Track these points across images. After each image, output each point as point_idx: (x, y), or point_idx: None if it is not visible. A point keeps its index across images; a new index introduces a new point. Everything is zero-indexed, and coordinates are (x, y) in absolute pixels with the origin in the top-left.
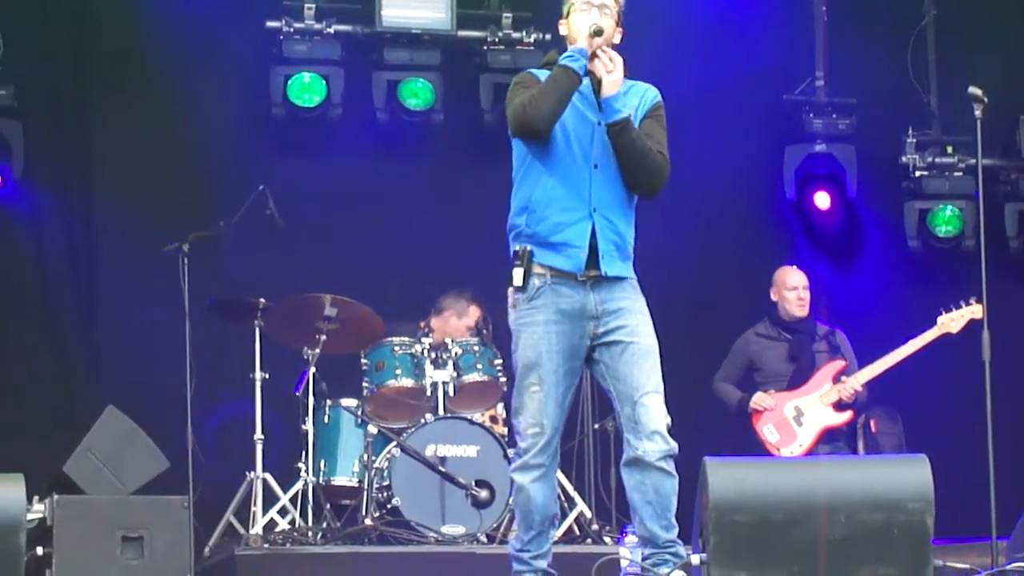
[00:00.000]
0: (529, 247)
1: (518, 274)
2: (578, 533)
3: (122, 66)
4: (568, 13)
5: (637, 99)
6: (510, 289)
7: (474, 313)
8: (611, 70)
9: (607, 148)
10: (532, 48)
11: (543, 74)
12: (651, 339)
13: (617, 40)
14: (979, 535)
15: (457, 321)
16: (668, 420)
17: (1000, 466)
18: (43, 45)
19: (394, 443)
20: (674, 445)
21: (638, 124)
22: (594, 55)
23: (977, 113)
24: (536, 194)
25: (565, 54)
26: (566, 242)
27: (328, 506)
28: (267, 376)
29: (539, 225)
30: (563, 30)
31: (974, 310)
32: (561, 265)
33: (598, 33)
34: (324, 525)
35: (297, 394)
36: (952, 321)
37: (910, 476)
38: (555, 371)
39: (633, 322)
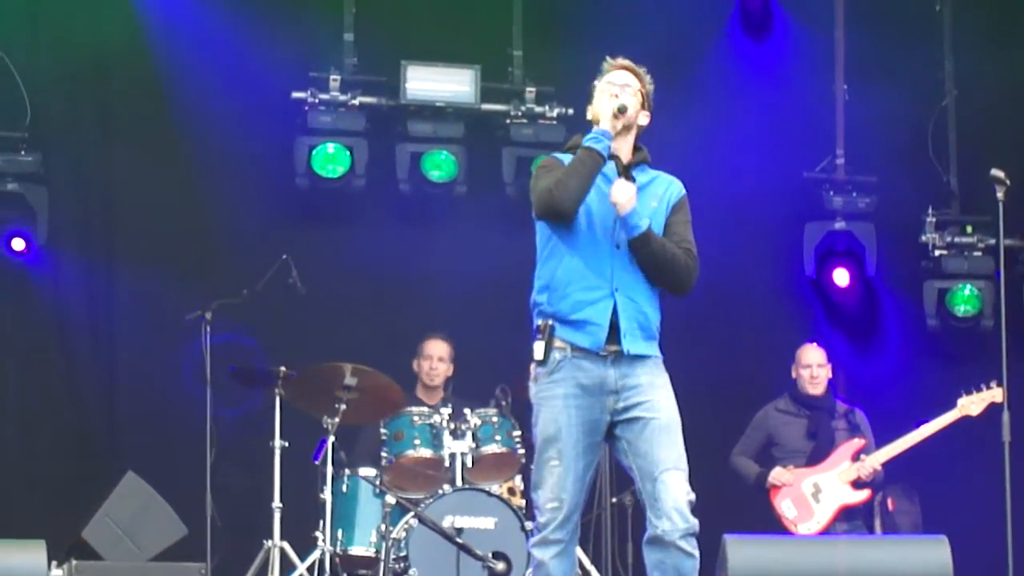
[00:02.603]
0: (551, 322)
1: (539, 348)
2: None
3: (147, 134)
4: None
5: (662, 190)
6: (532, 363)
7: (431, 346)
8: (618, 193)
9: None
10: (555, 122)
11: (567, 158)
12: (673, 414)
13: (644, 123)
14: None
15: (420, 362)
16: (692, 496)
17: (1018, 547)
18: (70, 113)
19: (412, 514)
20: (695, 523)
21: (664, 221)
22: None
23: (999, 195)
24: (559, 273)
25: (588, 135)
26: (586, 320)
27: (344, 575)
28: (287, 444)
29: (560, 303)
30: (589, 115)
31: (995, 394)
32: (581, 342)
33: (621, 111)
34: None
35: (316, 463)
36: (972, 404)
37: (930, 557)
38: (575, 446)
39: (654, 397)
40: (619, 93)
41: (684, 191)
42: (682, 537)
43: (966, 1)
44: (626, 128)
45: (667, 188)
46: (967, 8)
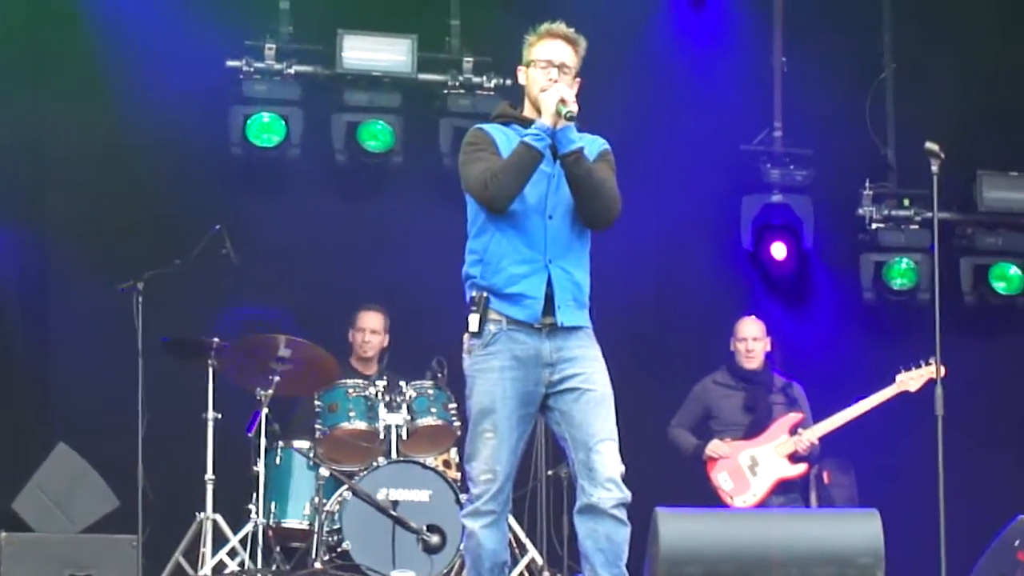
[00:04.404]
0: (485, 294)
1: (474, 320)
2: None
3: (80, 102)
4: (528, 64)
5: (587, 147)
6: (466, 335)
7: (364, 318)
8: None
9: (562, 198)
10: (492, 93)
11: (494, 129)
12: (606, 387)
13: (574, 91)
14: None
15: (353, 334)
16: (622, 468)
17: (951, 520)
18: (1, 81)
19: (346, 486)
20: (628, 494)
21: None
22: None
23: (934, 168)
24: (492, 246)
25: (530, 132)
26: (522, 293)
27: (278, 548)
28: (219, 416)
29: (495, 277)
30: (521, 79)
31: (933, 370)
32: (517, 315)
33: (570, 118)
34: (273, 568)
35: (249, 435)
36: (911, 380)
37: (861, 531)
38: (509, 417)
39: (588, 369)
40: (557, 78)
41: (608, 145)
42: (615, 506)
43: None
44: None
45: (591, 144)
46: None
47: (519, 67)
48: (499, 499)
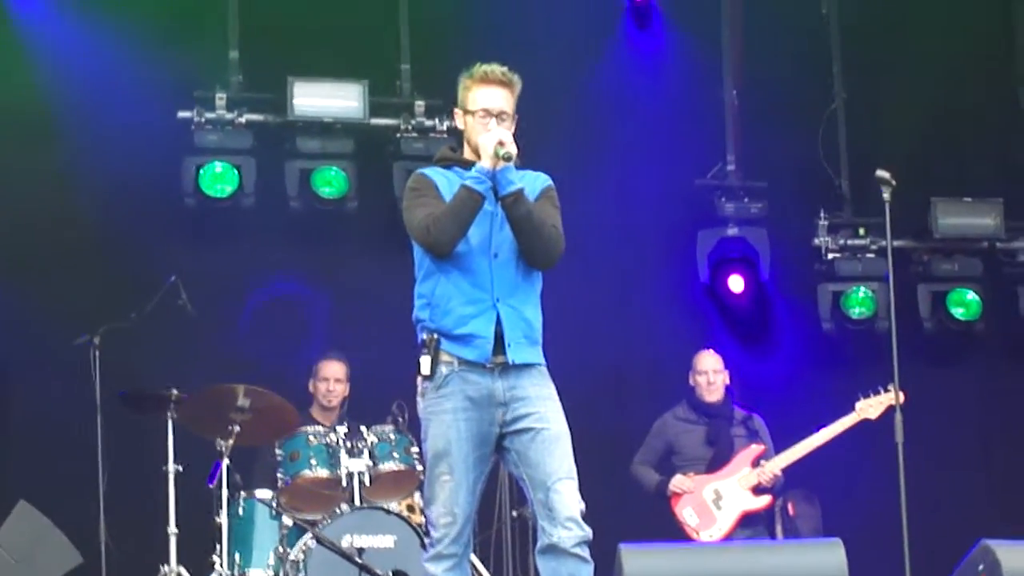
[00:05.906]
0: (436, 336)
1: (425, 362)
2: None
3: (31, 154)
4: (465, 111)
5: (529, 185)
6: (419, 378)
7: (327, 368)
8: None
9: (506, 237)
10: (445, 135)
11: (435, 173)
12: (561, 425)
13: (511, 130)
14: None
15: (316, 384)
16: (582, 506)
17: (915, 546)
18: None
19: (309, 534)
20: (589, 531)
21: None
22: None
23: (885, 196)
24: (439, 289)
25: (470, 175)
26: (472, 334)
27: None
28: (180, 468)
29: (444, 319)
30: (459, 123)
31: (892, 397)
32: (468, 356)
33: (507, 159)
34: None
35: (211, 486)
36: (870, 407)
37: (825, 561)
38: (465, 459)
39: (542, 408)
40: (495, 128)
41: (551, 181)
42: (576, 545)
43: (852, 3)
44: None
45: (534, 181)
46: (853, 10)
47: (456, 110)
48: (460, 542)
